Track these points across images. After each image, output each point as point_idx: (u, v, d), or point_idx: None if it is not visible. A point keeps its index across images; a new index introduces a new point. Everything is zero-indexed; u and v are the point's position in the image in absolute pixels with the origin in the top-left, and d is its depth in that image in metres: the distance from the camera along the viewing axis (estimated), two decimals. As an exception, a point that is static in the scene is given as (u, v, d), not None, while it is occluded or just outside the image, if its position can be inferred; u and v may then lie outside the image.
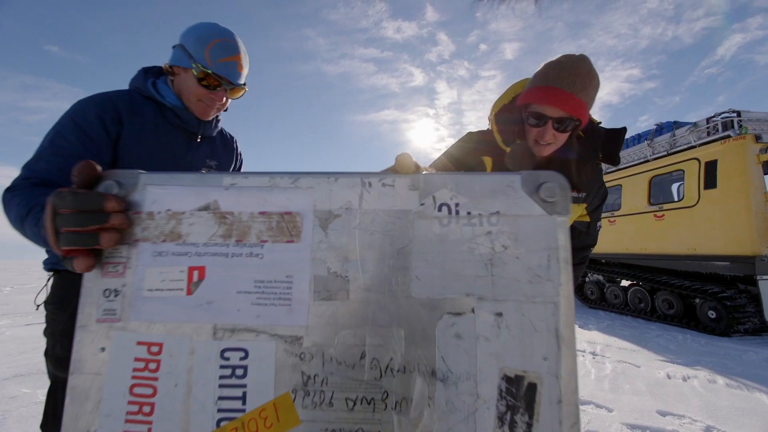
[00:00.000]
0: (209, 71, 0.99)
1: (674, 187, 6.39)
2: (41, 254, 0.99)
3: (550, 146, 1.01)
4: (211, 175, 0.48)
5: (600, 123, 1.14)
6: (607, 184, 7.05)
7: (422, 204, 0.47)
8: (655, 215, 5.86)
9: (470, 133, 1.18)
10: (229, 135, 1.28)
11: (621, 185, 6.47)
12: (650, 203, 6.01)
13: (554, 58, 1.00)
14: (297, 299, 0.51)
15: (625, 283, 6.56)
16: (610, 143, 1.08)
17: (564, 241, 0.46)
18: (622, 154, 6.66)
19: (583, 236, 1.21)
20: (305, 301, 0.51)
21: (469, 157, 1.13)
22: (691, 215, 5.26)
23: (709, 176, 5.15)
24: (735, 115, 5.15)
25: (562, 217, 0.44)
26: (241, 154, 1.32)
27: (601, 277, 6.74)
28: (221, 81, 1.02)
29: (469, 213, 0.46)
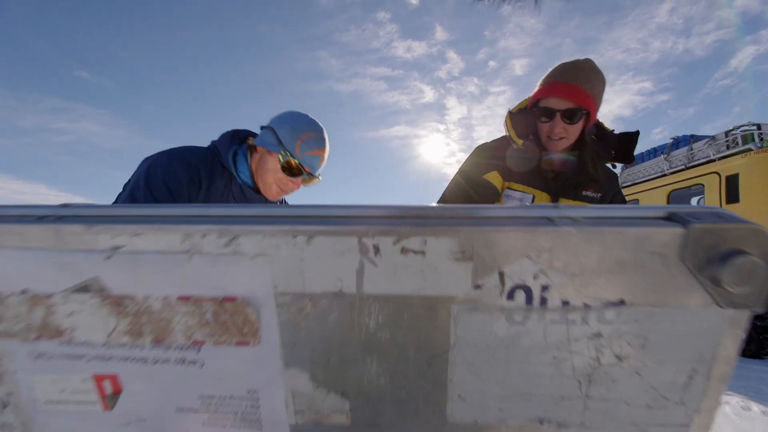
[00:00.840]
0: (296, 161, 1.01)
1: (694, 201, 6.10)
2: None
3: (562, 140, 1.02)
4: (73, 225, 0.26)
5: (613, 130, 1.13)
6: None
7: (478, 286, 0.25)
8: (677, 232, 5.54)
9: (480, 147, 1.16)
10: None
11: (638, 200, 6.18)
12: (671, 219, 5.70)
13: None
14: (270, 421, 0.34)
15: None
16: (623, 144, 1.09)
17: (732, 349, 0.25)
18: (638, 168, 6.41)
19: None
20: (283, 424, 0.33)
21: (478, 173, 1.12)
22: (717, 231, 4.94)
23: (731, 190, 4.87)
24: (755, 128, 4.92)
25: (743, 313, 0.23)
26: None
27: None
28: (304, 171, 1.04)
29: (566, 303, 0.25)
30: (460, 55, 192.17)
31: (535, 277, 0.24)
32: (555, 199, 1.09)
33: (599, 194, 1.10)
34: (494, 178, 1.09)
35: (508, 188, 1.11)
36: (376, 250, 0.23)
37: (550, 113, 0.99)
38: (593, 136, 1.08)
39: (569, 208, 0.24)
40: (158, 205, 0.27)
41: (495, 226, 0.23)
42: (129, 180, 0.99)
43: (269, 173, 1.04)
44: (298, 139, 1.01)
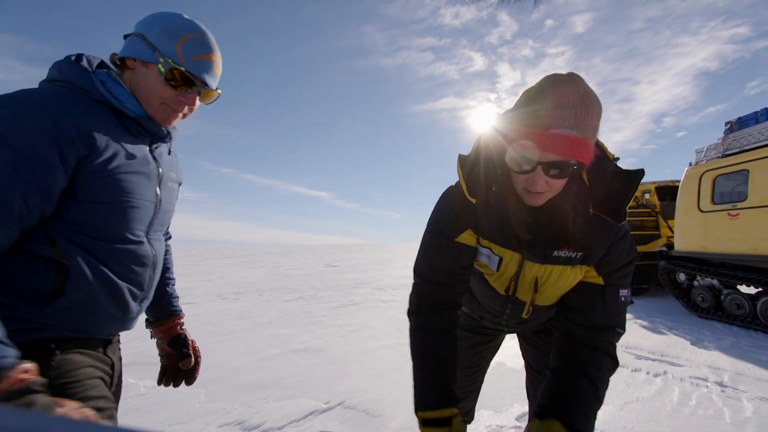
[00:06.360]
0: (182, 68, 0.81)
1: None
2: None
3: (543, 195, 0.78)
4: None
5: (617, 159, 0.88)
6: (728, 170, 5.72)
7: None
8: (800, 208, 4.60)
9: (448, 196, 0.95)
10: None
11: (748, 170, 5.19)
12: (793, 193, 4.73)
13: (534, 83, 0.77)
14: None
15: (748, 290, 5.34)
16: (614, 192, 0.83)
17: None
18: (749, 132, 5.36)
19: (597, 306, 0.88)
20: None
21: (451, 235, 0.92)
22: None
23: None
24: None
25: None
26: None
27: (715, 282, 5.57)
28: (195, 81, 0.84)
29: None
30: (513, 17, 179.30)
31: None
32: (522, 260, 0.90)
33: (579, 253, 0.85)
34: (467, 237, 0.92)
35: (479, 244, 0.94)
36: None
37: (528, 164, 0.74)
38: (585, 172, 0.85)
39: None
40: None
41: None
42: None
43: (151, 90, 0.82)
44: (178, 41, 0.81)
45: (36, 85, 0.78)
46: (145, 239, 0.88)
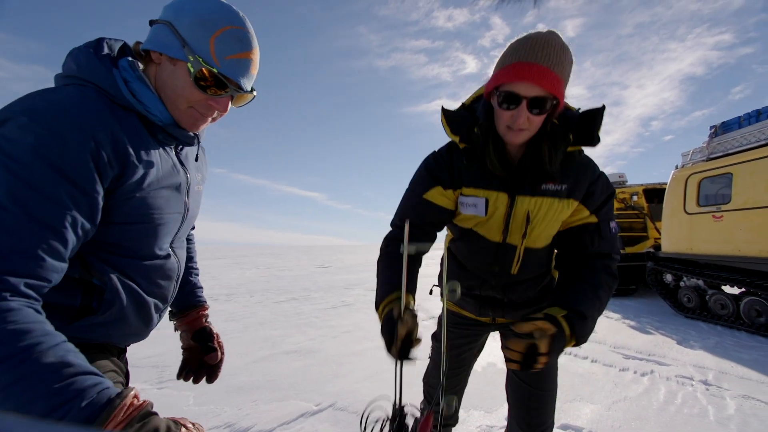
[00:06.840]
0: (214, 70, 0.70)
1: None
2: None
3: (523, 132, 0.89)
4: None
5: (579, 109, 0.98)
6: (712, 173, 5.84)
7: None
8: (782, 210, 4.72)
9: (425, 158, 1.08)
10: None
11: (731, 173, 5.33)
12: (775, 195, 4.86)
13: (520, 36, 0.88)
14: None
15: (732, 290, 5.47)
16: (585, 124, 0.94)
17: None
18: (733, 135, 5.49)
19: (596, 241, 1.02)
20: None
21: (420, 192, 1.05)
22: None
23: None
24: None
25: None
26: None
27: (700, 282, 5.69)
28: (229, 85, 0.73)
29: None
30: (505, 20, 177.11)
31: None
32: (512, 197, 0.98)
33: (564, 185, 0.98)
34: (435, 195, 1.03)
35: (461, 195, 1.04)
36: None
37: (514, 99, 0.84)
38: (555, 120, 0.96)
39: None
40: None
41: None
42: None
43: (178, 92, 0.72)
44: (212, 35, 0.69)
45: (21, 82, 0.75)
46: (170, 251, 0.85)
